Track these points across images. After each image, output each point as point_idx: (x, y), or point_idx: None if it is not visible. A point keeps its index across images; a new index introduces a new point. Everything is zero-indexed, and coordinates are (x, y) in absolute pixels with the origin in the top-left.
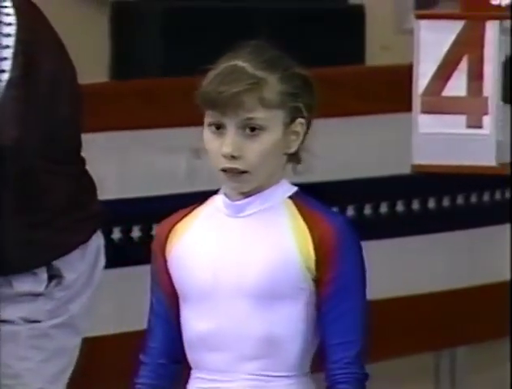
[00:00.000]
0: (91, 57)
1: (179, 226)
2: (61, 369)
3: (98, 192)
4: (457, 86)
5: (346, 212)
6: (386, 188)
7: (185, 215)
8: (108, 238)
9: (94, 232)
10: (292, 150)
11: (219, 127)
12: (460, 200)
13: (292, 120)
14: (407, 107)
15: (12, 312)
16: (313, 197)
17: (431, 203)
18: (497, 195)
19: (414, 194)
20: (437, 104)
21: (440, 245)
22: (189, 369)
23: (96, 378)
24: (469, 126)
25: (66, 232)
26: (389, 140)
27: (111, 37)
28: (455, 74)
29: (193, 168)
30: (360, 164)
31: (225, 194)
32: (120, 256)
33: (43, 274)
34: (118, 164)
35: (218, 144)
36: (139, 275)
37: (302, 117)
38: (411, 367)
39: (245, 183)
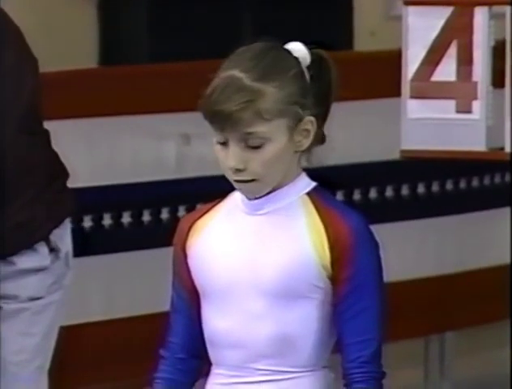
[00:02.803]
0: (79, 44)
1: (200, 222)
2: (52, 346)
3: (88, 179)
4: (446, 71)
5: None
6: (375, 173)
7: (207, 210)
8: (98, 224)
9: (75, 200)
10: (304, 147)
11: (223, 141)
12: (449, 185)
13: (299, 121)
14: (395, 92)
15: (17, 289)
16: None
17: (420, 189)
18: (497, 179)
19: (403, 179)
20: (426, 90)
21: (430, 230)
22: (210, 364)
23: (80, 365)
24: (458, 111)
25: (56, 202)
26: (378, 126)
27: (99, 24)
28: (444, 60)
29: (182, 154)
30: (349, 150)
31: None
32: (110, 243)
33: (43, 248)
34: (107, 150)
35: (224, 156)
36: (128, 262)
37: (310, 114)
38: (401, 352)
39: (256, 190)
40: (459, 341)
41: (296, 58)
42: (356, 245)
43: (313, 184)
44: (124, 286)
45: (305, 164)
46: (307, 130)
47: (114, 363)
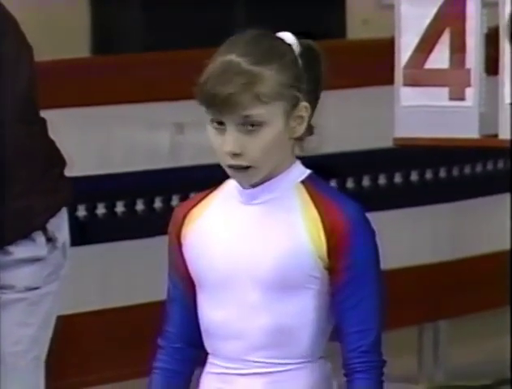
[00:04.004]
0: (72, 33)
1: (195, 210)
2: (49, 337)
3: (81, 168)
4: (439, 58)
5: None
6: (368, 161)
7: (202, 199)
8: (92, 214)
9: (72, 189)
10: (298, 134)
11: (220, 123)
12: (443, 173)
13: (294, 106)
14: (389, 80)
15: (13, 279)
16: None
17: (413, 176)
18: (489, 166)
19: (396, 167)
20: (419, 77)
21: (426, 217)
22: (207, 354)
23: (77, 354)
24: (452, 99)
25: (53, 190)
26: (371, 114)
27: (92, 12)
28: (437, 47)
29: (176, 143)
30: (342, 138)
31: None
32: (103, 232)
33: (40, 238)
34: (100, 139)
35: (221, 141)
36: (123, 251)
37: (305, 100)
38: (395, 341)
39: (251, 177)
40: (453, 329)
41: (289, 45)
42: (352, 234)
43: (308, 172)
44: (118, 275)
45: (298, 152)
46: (301, 117)
47: (110, 352)
